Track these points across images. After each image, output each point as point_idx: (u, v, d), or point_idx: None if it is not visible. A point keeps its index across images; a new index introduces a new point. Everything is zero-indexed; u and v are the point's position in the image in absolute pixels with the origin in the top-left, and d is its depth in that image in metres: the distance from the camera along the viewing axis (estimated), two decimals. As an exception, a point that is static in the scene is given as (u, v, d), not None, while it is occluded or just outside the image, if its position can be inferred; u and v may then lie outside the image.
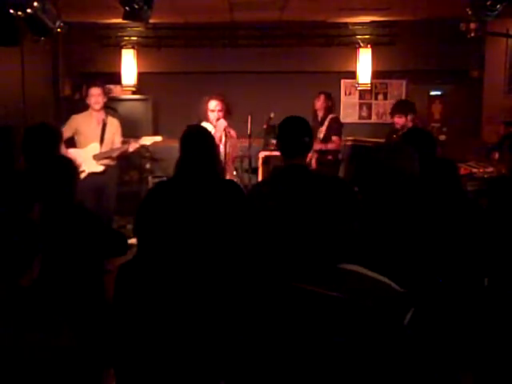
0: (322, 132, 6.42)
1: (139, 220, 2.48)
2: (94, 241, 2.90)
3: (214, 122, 4.83)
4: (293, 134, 3.03)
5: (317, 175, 3.69)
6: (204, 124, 4.72)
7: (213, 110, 4.84)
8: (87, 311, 2.75)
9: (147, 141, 5.83)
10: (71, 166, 3.09)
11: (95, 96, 5.66)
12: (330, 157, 6.33)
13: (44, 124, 3.82)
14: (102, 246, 2.96)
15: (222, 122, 4.79)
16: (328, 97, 6.57)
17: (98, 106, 5.67)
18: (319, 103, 6.53)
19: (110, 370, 2.33)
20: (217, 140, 4.72)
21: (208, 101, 4.85)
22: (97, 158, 5.64)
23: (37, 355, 1.71)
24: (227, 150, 4.75)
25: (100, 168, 5.68)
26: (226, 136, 4.75)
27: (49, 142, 3.65)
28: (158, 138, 5.95)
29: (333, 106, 6.64)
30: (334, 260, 1.63)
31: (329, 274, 1.60)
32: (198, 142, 3.17)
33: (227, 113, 4.90)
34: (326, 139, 6.35)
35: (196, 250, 2.74)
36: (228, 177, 4.71)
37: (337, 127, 6.43)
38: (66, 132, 5.60)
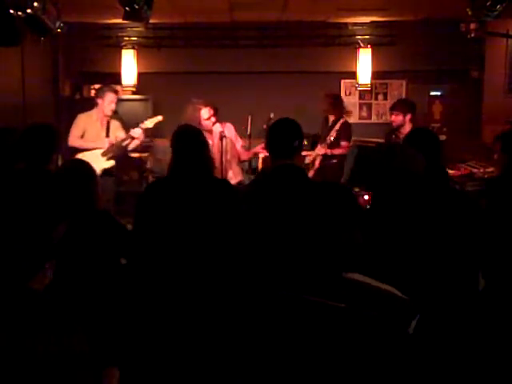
0: (331, 136, 6.33)
1: (138, 219, 2.48)
2: (114, 243, 2.87)
3: (210, 127, 4.91)
4: (282, 136, 3.04)
5: (312, 181, 3.66)
6: None
7: (208, 118, 4.90)
8: (100, 312, 2.73)
9: (149, 123, 5.62)
10: (91, 171, 3.07)
11: (112, 102, 5.61)
12: (335, 160, 6.25)
13: (42, 124, 3.81)
14: (121, 248, 2.93)
15: (218, 127, 4.84)
16: (333, 97, 6.56)
17: (111, 112, 5.66)
18: (325, 105, 6.50)
19: (110, 369, 2.33)
20: (215, 146, 4.79)
21: (199, 111, 4.88)
22: (105, 153, 5.58)
23: (48, 358, 1.70)
24: (224, 152, 4.78)
25: (110, 163, 5.62)
26: (221, 139, 4.79)
27: (47, 142, 3.65)
28: (159, 118, 5.66)
29: (341, 104, 6.62)
30: (336, 268, 1.60)
31: (332, 284, 1.57)
32: (187, 141, 3.18)
33: (216, 113, 4.96)
34: (334, 145, 6.30)
35: (189, 248, 2.75)
36: (233, 177, 4.77)
37: (347, 133, 6.35)
38: (77, 132, 5.58)
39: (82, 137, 5.63)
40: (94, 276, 2.74)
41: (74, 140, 5.55)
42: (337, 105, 6.54)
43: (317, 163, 6.24)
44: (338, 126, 6.36)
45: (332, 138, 6.30)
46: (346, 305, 1.51)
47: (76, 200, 2.85)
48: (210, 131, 4.90)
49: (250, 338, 1.67)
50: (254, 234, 2.70)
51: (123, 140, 5.61)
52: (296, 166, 2.98)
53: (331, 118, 6.50)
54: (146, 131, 5.74)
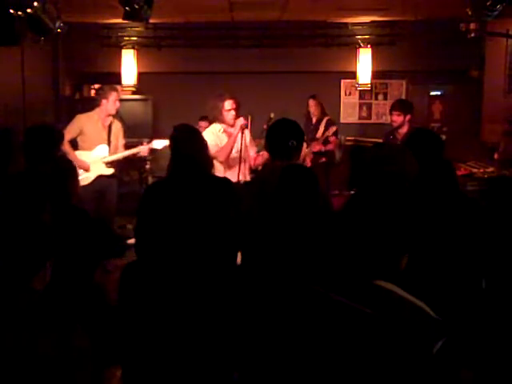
0: (320, 134, 6.63)
1: (139, 221, 2.47)
2: (94, 242, 2.88)
3: (231, 121, 4.89)
4: (281, 136, 3.06)
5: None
6: (215, 125, 4.87)
7: (230, 109, 4.91)
8: (92, 312, 2.75)
9: (158, 145, 5.71)
10: (70, 167, 3.09)
11: (116, 100, 5.64)
12: (323, 159, 6.57)
13: (45, 125, 3.83)
14: (101, 248, 2.95)
15: (240, 120, 4.85)
16: (318, 100, 6.89)
17: (115, 111, 5.68)
18: (313, 107, 6.83)
19: (111, 369, 2.34)
20: (232, 137, 4.79)
21: (223, 101, 4.90)
22: (106, 161, 5.64)
23: (50, 356, 1.70)
24: (243, 147, 4.77)
25: (110, 171, 5.67)
26: (242, 133, 4.79)
27: (49, 143, 3.66)
28: (167, 143, 5.73)
29: (323, 106, 6.92)
30: (363, 272, 1.56)
31: (358, 287, 1.54)
32: (186, 141, 3.18)
33: (239, 110, 4.98)
34: (325, 142, 6.55)
35: (190, 247, 2.75)
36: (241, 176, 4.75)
37: (336, 129, 6.66)
38: (72, 132, 5.56)
39: (79, 137, 5.63)
40: (74, 273, 2.75)
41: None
42: (322, 107, 6.88)
43: (308, 161, 6.33)
44: (324, 124, 6.66)
45: (322, 137, 6.58)
46: (373, 312, 1.48)
47: (51, 192, 2.86)
48: (229, 123, 4.92)
49: (253, 335, 1.66)
50: (256, 232, 2.70)
51: (128, 154, 5.73)
52: (300, 166, 2.99)
53: (314, 118, 6.83)
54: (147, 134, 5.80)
